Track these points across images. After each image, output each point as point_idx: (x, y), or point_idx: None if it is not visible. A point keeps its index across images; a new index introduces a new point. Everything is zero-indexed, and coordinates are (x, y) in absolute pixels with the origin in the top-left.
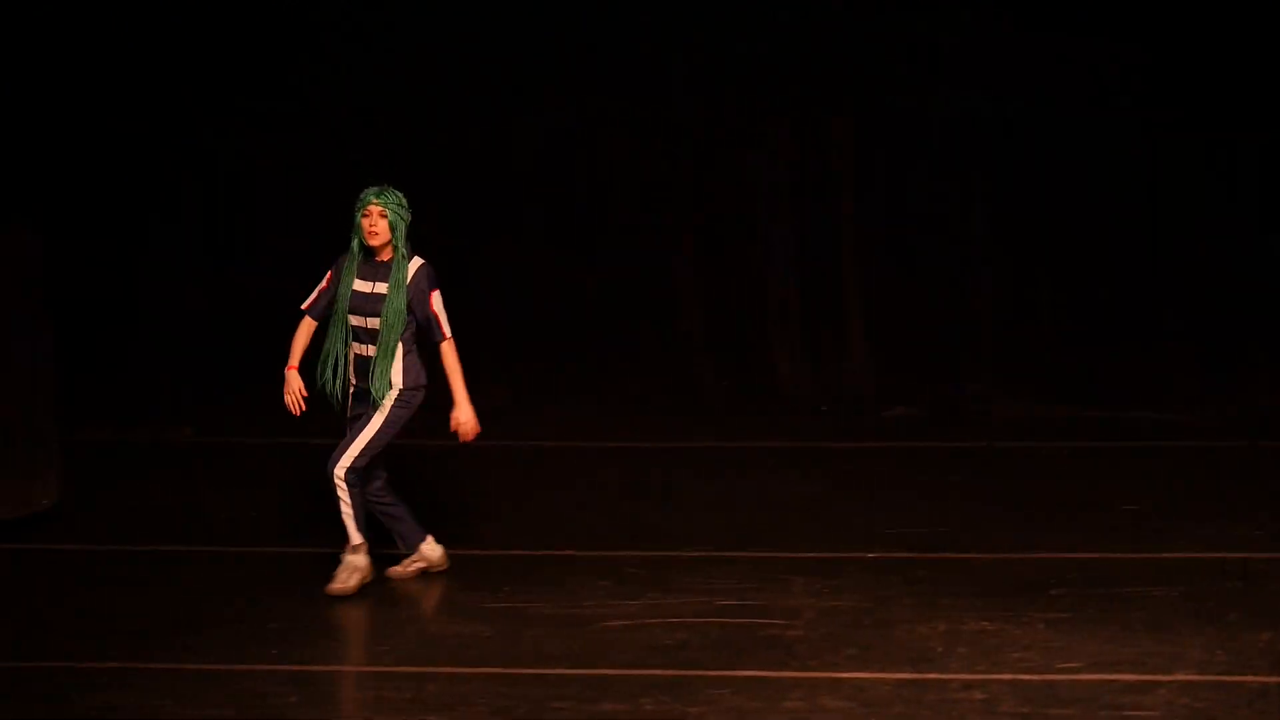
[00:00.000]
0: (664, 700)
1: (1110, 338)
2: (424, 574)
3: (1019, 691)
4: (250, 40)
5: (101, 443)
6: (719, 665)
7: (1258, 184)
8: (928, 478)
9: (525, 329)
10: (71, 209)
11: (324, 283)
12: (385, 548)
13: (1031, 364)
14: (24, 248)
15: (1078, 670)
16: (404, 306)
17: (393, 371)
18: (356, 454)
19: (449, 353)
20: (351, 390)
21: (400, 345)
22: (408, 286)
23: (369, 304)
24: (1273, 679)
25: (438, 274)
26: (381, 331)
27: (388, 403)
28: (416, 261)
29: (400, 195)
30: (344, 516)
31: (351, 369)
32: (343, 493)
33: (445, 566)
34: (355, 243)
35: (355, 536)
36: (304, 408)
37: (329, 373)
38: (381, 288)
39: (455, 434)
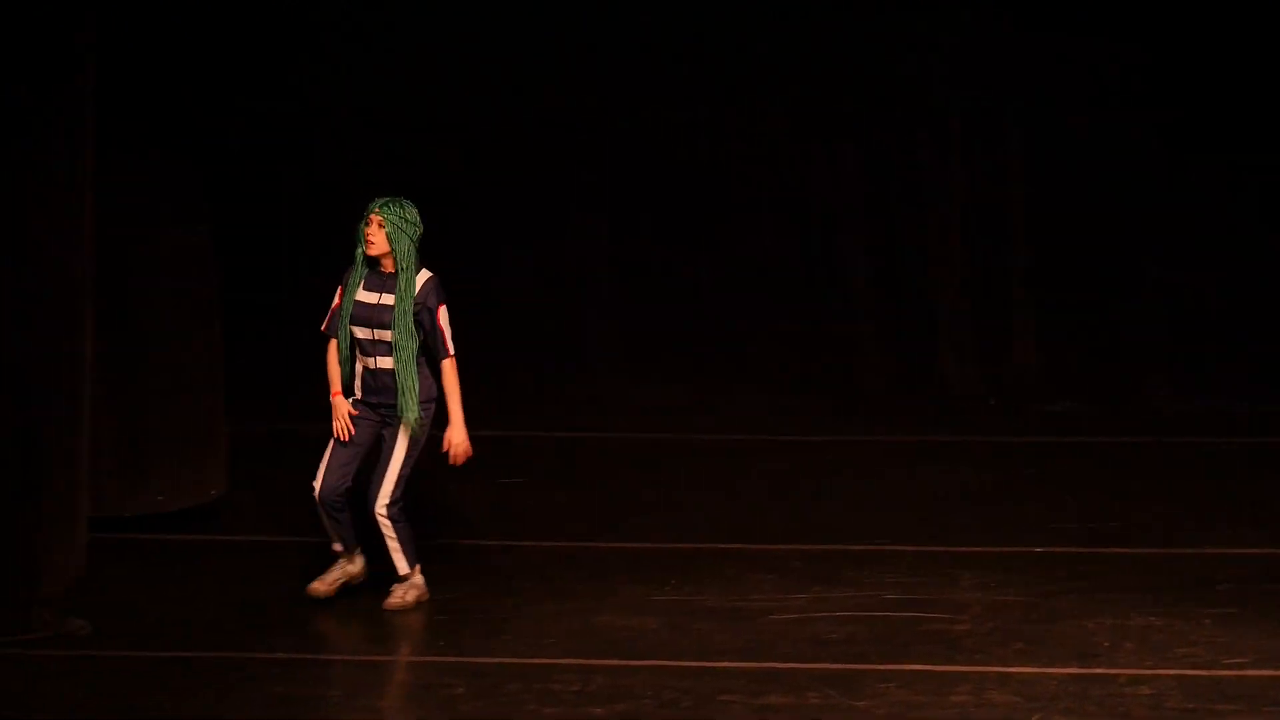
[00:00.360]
0: (830, 694)
1: None
2: (345, 587)
3: (1185, 687)
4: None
5: (267, 434)
6: (885, 659)
7: None
8: (1094, 472)
9: (691, 325)
10: (232, 202)
11: (336, 300)
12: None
13: (1200, 358)
14: (198, 243)
15: (1244, 666)
16: (412, 321)
17: (415, 385)
18: (393, 486)
19: (449, 370)
20: (353, 401)
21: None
22: (415, 299)
23: (375, 315)
24: None
25: (445, 289)
26: (397, 347)
27: (407, 424)
28: (425, 274)
29: (406, 208)
30: (391, 551)
31: (358, 381)
32: (387, 528)
33: (364, 579)
34: (359, 252)
35: (403, 568)
36: (354, 430)
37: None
38: (388, 299)
39: (447, 454)
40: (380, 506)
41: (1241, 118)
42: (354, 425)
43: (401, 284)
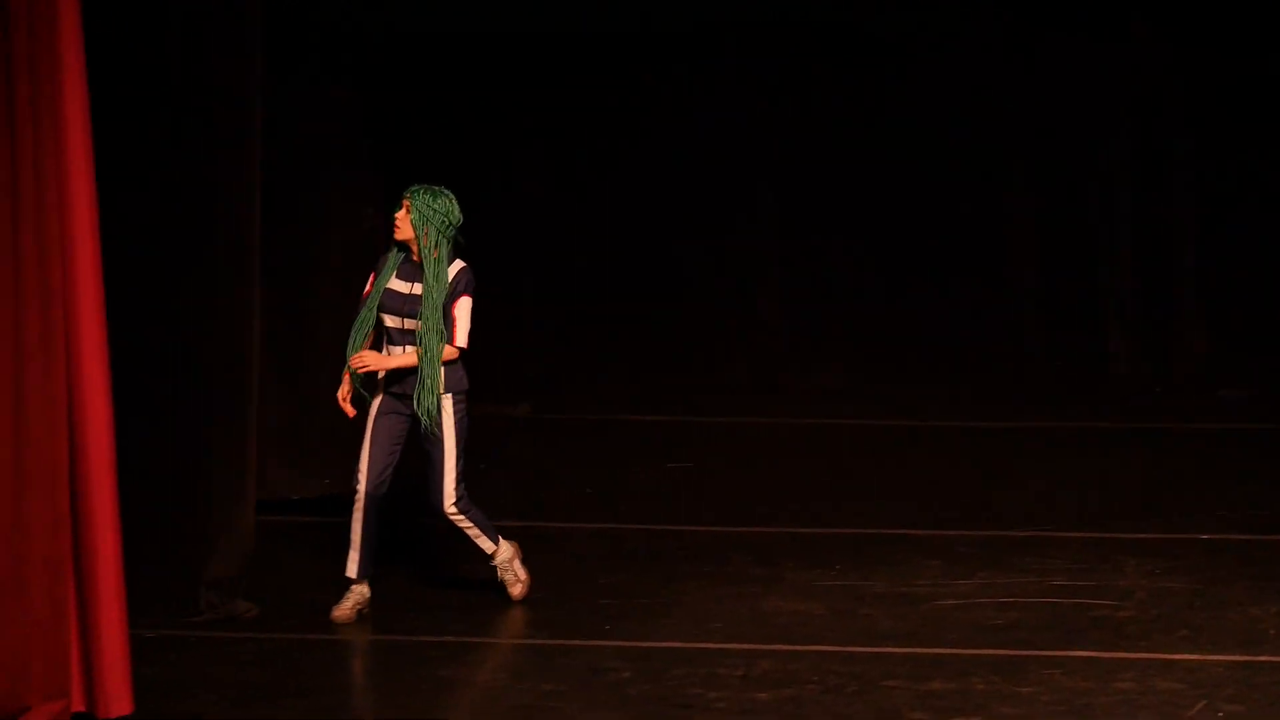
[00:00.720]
0: (994, 680)
1: None
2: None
3: None
4: None
5: None
6: (1050, 645)
7: None
8: (1262, 459)
9: (860, 311)
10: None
11: (368, 285)
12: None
13: None
14: (367, 233)
15: None
16: (441, 314)
17: (440, 380)
18: (453, 484)
19: (448, 353)
20: (380, 389)
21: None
22: (446, 288)
23: (405, 304)
24: None
25: (475, 281)
26: (424, 337)
27: (447, 419)
28: (458, 264)
29: (437, 196)
30: (473, 539)
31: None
32: (462, 521)
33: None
34: (392, 237)
35: (489, 547)
36: (353, 412)
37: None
38: (419, 289)
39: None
40: (449, 507)
41: None
42: (381, 418)
43: (430, 274)
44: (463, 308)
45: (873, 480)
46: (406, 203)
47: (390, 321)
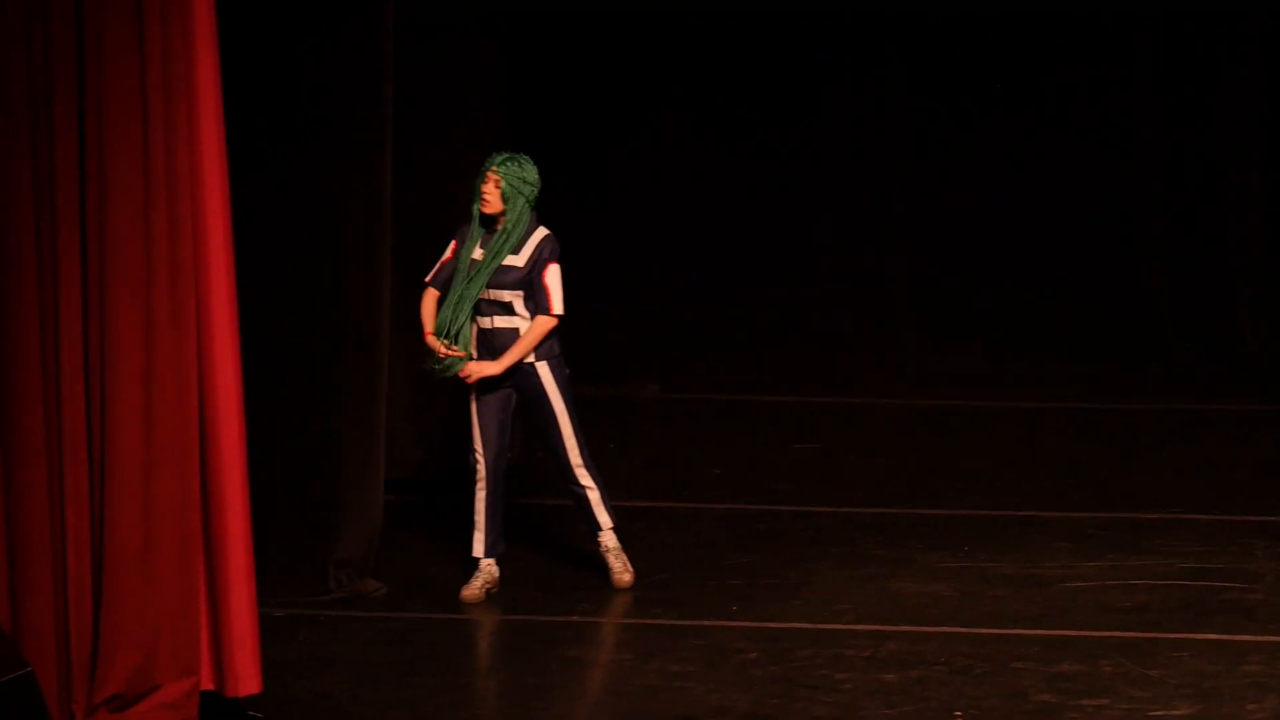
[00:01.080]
0: (1122, 662)
1: None
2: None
3: None
4: None
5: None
6: (1178, 628)
7: None
8: None
9: (989, 291)
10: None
11: (448, 253)
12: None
13: None
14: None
15: None
16: (524, 276)
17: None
18: (576, 448)
19: (540, 324)
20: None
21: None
22: (530, 256)
23: (495, 275)
24: None
25: (560, 247)
26: (510, 303)
27: (550, 384)
28: (541, 232)
29: (524, 166)
30: (594, 505)
31: (474, 342)
32: (588, 479)
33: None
34: (475, 208)
35: (606, 521)
36: (452, 350)
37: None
38: (510, 259)
39: (460, 369)
40: (576, 461)
41: None
42: (485, 395)
43: (513, 242)
44: (553, 275)
45: (1001, 462)
46: (494, 175)
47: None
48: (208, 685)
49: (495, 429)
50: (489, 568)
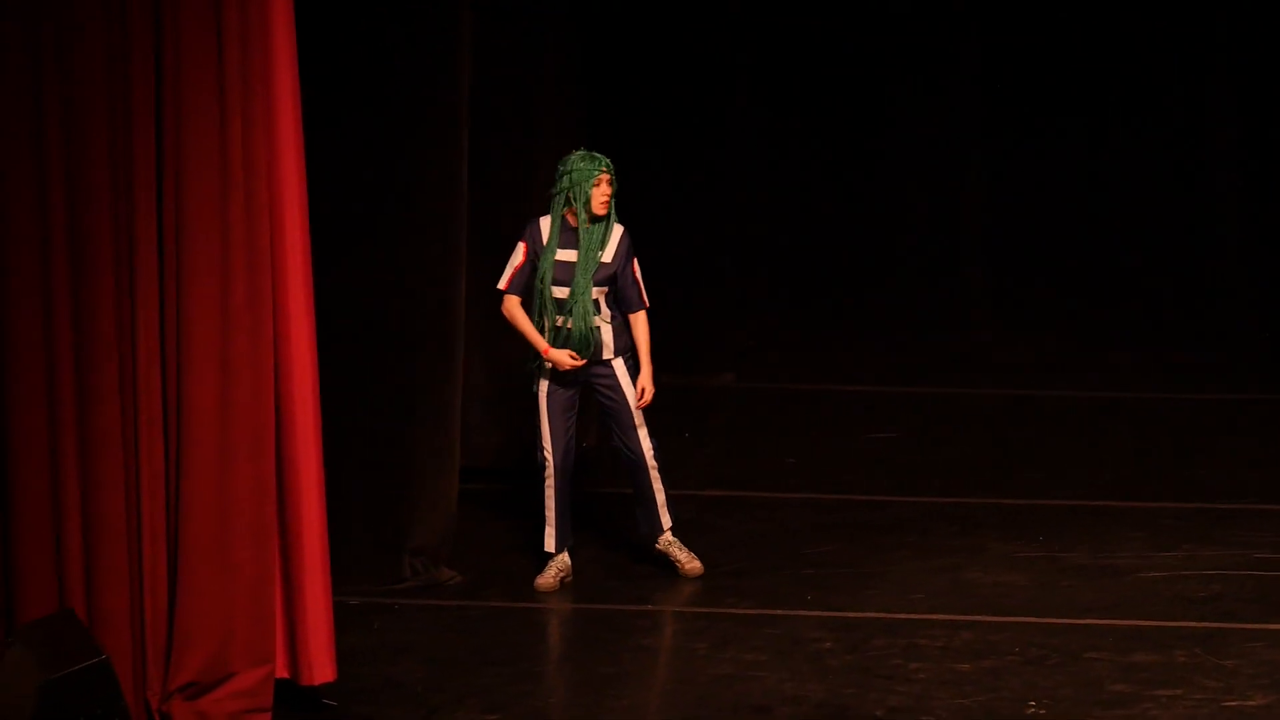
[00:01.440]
0: (1197, 652)
1: None
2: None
3: None
4: None
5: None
6: (1254, 618)
7: None
8: None
9: (1063, 280)
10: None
11: (520, 258)
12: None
13: None
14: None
15: None
16: (612, 273)
17: (607, 337)
18: (650, 447)
19: (644, 321)
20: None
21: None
22: (615, 252)
23: (571, 273)
24: None
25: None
26: (610, 305)
27: (625, 381)
28: (619, 228)
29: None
30: (659, 505)
31: (549, 340)
32: (660, 483)
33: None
34: (556, 209)
35: (668, 521)
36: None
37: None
38: (601, 255)
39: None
40: (650, 461)
41: None
42: (554, 393)
43: (603, 237)
44: (638, 269)
45: (1076, 452)
46: (607, 176)
47: (559, 293)
48: (282, 673)
49: (563, 426)
50: (562, 559)
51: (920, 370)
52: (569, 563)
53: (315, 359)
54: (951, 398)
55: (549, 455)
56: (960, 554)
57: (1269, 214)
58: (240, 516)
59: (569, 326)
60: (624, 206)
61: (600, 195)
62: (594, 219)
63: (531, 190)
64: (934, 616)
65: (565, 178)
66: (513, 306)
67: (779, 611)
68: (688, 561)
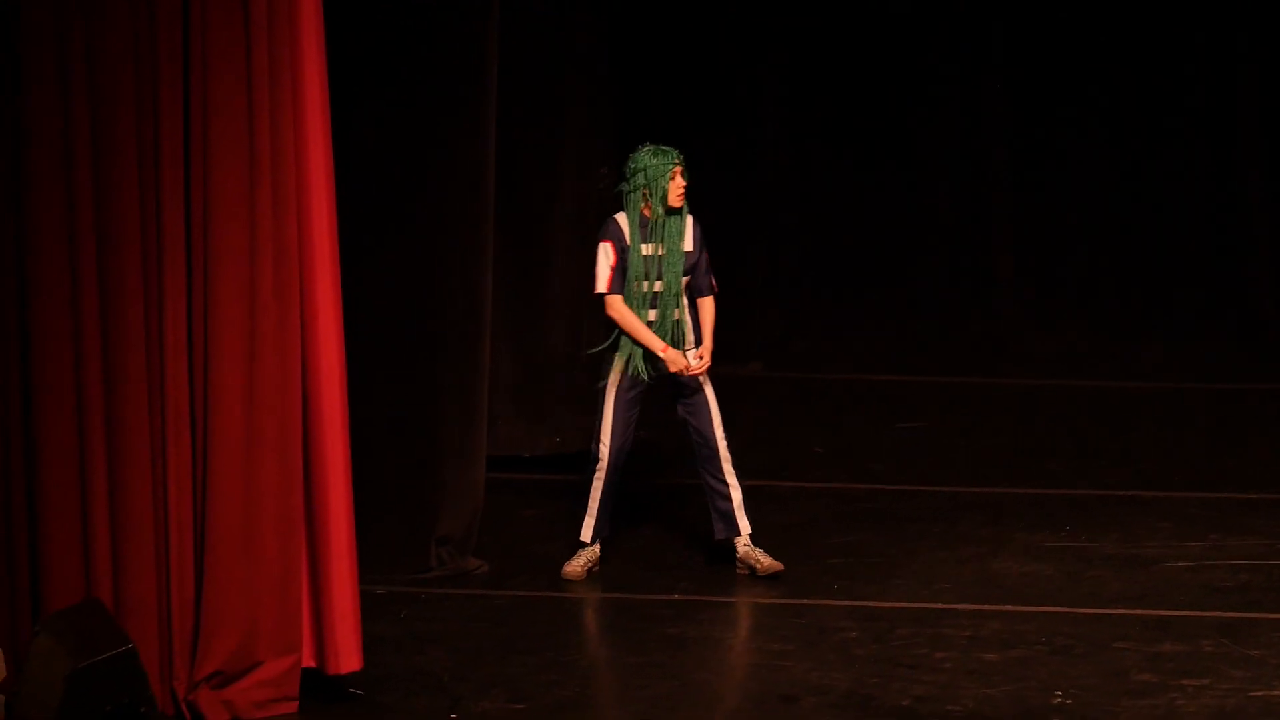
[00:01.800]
0: (1223, 642)
1: None
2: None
3: None
4: None
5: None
6: None
7: None
8: None
9: (1095, 271)
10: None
11: (612, 257)
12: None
13: None
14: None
15: None
16: (693, 262)
17: (687, 328)
18: (726, 442)
19: (712, 304)
20: (630, 360)
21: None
22: (693, 240)
23: (657, 266)
24: None
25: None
26: (685, 292)
27: (698, 365)
28: (690, 216)
29: None
30: (737, 507)
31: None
32: (736, 480)
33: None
34: (633, 208)
35: (747, 525)
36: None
37: (637, 346)
38: (663, 249)
39: (683, 371)
40: (725, 456)
41: None
42: (624, 387)
43: (682, 228)
44: (707, 256)
45: (1102, 442)
46: (680, 168)
47: (651, 287)
48: (309, 662)
49: (625, 423)
50: (594, 549)
51: (948, 360)
52: (598, 554)
53: (342, 350)
54: (979, 388)
55: (605, 449)
56: (987, 544)
57: None
58: (267, 506)
59: (650, 319)
60: None
61: (676, 188)
62: (670, 211)
63: (558, 185)
64: (960, 606)
65: (639, 174)
66: (620, 305)
67: (805, 601)
68: (767, 560)
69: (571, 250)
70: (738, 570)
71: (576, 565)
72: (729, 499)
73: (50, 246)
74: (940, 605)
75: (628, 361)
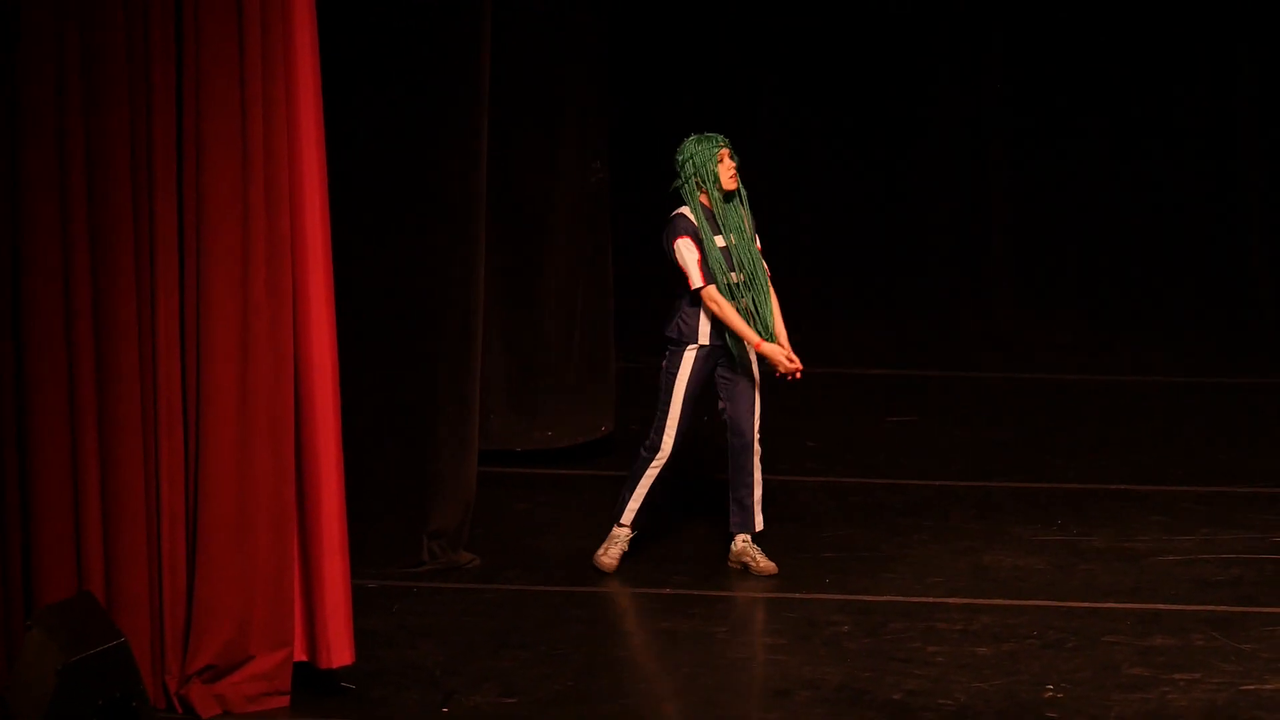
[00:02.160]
0: (1215, 636)
1: None
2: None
3: None
4: None
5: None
6: (1272, 601)
7: None
8: None
9: (1091, 265)
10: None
11: (696, 251)
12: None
13: None
14: (595, 184)
15: None
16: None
17: (778, 317)
18: (759, 433)
19: (771, 288)
20: (708, 349)
21: None
22: (753, 227)
23: (731, 257)
24: None
25: None
26: (760, 280)
27: (753, 359)
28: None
29: None
30: (756, 501)
31: (708, 326)
32: (760, 475)
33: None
34: (693, 201)
35: (761, 522)
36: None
37: (737, 336)
38: (729, 238)
39: (782, 369)
40: (758, 448)
41: None
42: (695, 381)
43: (741, 213)
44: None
45: (1096, 435)
46: (728, 150)
47: (734, 277)
48: (300, 656)
49: (690, 416)
50: (625, 535)
51: (941, 353)
52: (628, 543)
53: (335, 344)
54: (972, 381)
55: (669, 440)
56: (979, 538)
57: None
58: (259, 500)
59: (746, 306)
60: (648, 194)
61: (727, 170)
62: (726, 196)
63: (553, 182)
64: (953, 600)
65: (688, 164)
66: (718, 296)
67: (797, 595)
68: (763, 561)
69: (565, 246)
70: (729, 565)
71: (612, 555)
72: (752, 493)
73: (44, 242)
74: (932, 599)
75: (713, 354)
